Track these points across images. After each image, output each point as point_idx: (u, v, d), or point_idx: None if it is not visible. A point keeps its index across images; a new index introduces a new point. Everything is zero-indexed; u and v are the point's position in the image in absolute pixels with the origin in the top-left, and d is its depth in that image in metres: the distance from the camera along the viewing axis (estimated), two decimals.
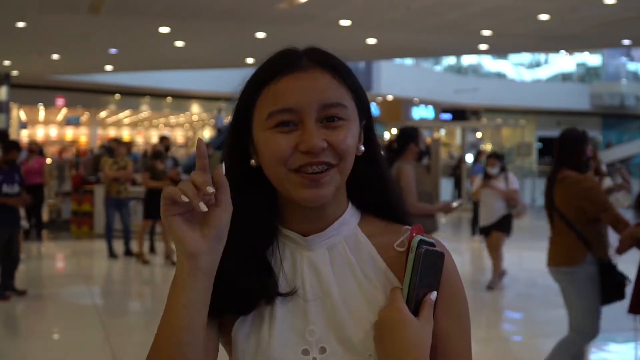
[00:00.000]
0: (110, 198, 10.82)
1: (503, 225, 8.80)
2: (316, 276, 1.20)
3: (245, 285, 1.16)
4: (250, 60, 18.17)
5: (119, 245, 11.06)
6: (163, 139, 12.46)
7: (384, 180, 1.28)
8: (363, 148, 1.23)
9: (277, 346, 1.15)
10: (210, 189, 1.03)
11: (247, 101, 1.21)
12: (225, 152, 1.25)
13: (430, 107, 30.03)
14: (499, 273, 8.82)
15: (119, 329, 7.09)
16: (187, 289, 1.06)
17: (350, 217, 1.25)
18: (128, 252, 11.02)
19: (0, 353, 6.19)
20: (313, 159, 1.13)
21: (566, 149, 4.66)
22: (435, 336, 1.15)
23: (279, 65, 1.19)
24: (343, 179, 1.18)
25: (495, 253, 8.85)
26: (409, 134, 5.85)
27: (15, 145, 8.21)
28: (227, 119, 26.79)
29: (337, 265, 1.20)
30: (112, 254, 10.85)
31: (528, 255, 10.82)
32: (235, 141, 1.23)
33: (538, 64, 32.25)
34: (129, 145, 14.98)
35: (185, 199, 1.03)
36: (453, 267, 1.22)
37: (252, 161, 1.21)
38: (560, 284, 4.68)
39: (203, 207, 1.03)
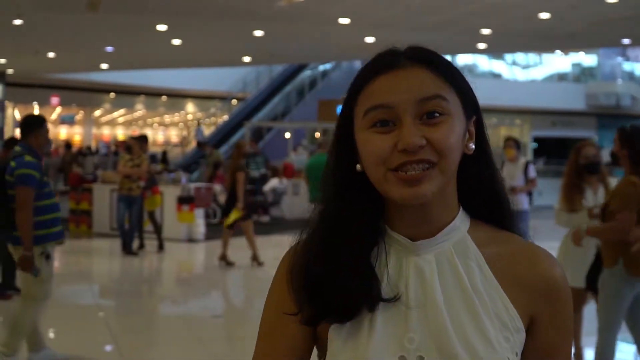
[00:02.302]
0: (122, 194, 10.81)
1: None
2: (421, 283, 1.16)
3: (350, 295, 1.14)
4: (247, 59, 18.12)
5: (116, 246, 10.97)
6: (143, 137, 12.04)
7: (495, 183, 1.24)
8: (473, 146, 1.19)
9: (374, 351, 1.12)
10: None
11: (348, 105, 1.20)
12: (331, 157, 1.23)
13: None
14: None
15: (123, 328, 7.02)
16: None
17: (461, 223, 1.20)
18: (129, 251, 10.92)
19: None
20: (411, 157, 1.10)
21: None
22: (541, 349, 1.17)
23: (376, 66, 1.17)
24: (446, 178, 1.14)
25: None
26: None
27: (17, 142, 8.09)
28: (213, 124, 26.71)
29: (444, 274, 1.16)
30: (126, 249, 10.78)
31: None
32: (340, 147, 1.21)
33: (535, 64, 32.23)
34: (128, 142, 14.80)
35: None
36: (560, 275, 1.20)
37: (358, 166, 1.19)
38: None
39: None
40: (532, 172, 9.27)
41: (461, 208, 1.21)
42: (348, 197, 1.19)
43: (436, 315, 1.12)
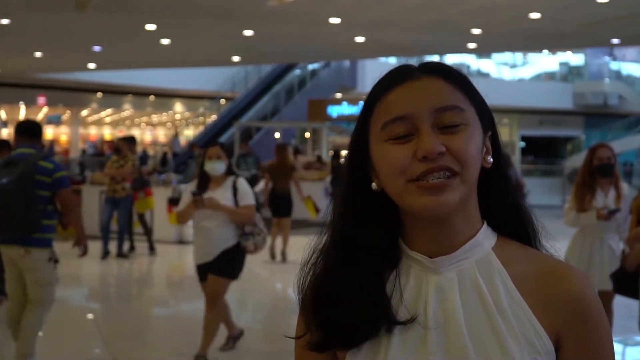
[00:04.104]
0: (107, 196, 10.76)
1: (225, 267, 5.66)
2: (441, 302, 1.10)
3: (360, 320, 1.09)
4: (236, 59, 18.04)
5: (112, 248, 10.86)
6: (131, 138, 11.75)
7: (513, 196, 1.19)
8: (491, 160, 1.15)
9: None
10: None
11: (362, 120, 1.16)
12: (345, 176, 1.18)
13: None
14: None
15: (115, 332, 6.93)
16: None
17: (484, 238, 1.14)
18: (120, 254, 10.83)
19: None
20: (432, 164, 1.05)
21: None
22: None
23: (390, 79, 1.14)
24: (467, 189, 1.09)
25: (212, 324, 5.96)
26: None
27: (6, 145, 8.00)
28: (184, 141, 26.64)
29: (465, 292, 1.10)
30: (104, 255, 10.67)
31: None
32: (354, 164, 1.17)
33: (522, 63, 32.31)
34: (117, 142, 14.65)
35: None
36: (591, 295, 1.12)
37: (374, 184, 1.14)
38: None
39: None
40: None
41: (485, 224, 1.16)
42: (362, 215, 1.14)
43: (457, 337, 1.07)
